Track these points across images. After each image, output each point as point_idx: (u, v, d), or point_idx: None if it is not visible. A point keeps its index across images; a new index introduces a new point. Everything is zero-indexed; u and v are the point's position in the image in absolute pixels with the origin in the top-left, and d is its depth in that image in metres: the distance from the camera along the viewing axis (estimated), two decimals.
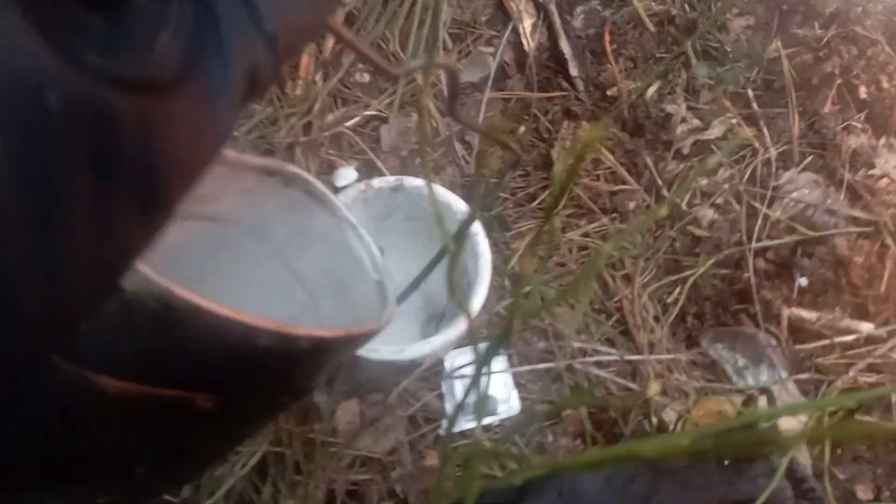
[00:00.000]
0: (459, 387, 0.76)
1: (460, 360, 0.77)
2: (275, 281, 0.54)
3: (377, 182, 0.70)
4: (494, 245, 0.82)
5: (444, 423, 0.76)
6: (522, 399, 0.77)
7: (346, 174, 0.76)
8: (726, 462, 0.62)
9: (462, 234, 0.59)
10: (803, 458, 0.72)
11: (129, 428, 0.30)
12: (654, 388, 0.25)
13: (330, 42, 0.92)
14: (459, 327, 0.66)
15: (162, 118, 0.18)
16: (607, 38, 0.84)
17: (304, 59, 0.91)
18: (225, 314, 0.28)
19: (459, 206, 0.70)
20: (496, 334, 0.29)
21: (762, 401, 0.68)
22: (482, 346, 0.34)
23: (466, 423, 0.76)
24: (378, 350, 0.65)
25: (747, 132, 0.78)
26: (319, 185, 0.53)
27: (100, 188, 0.16)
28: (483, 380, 0.77)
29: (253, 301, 0.53)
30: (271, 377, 0.34)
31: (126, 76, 0.16)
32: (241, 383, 0.33)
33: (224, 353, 0.30)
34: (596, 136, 0.19)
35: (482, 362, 0.28)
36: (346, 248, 0.54)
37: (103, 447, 0.31)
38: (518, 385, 0.77)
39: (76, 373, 0.27)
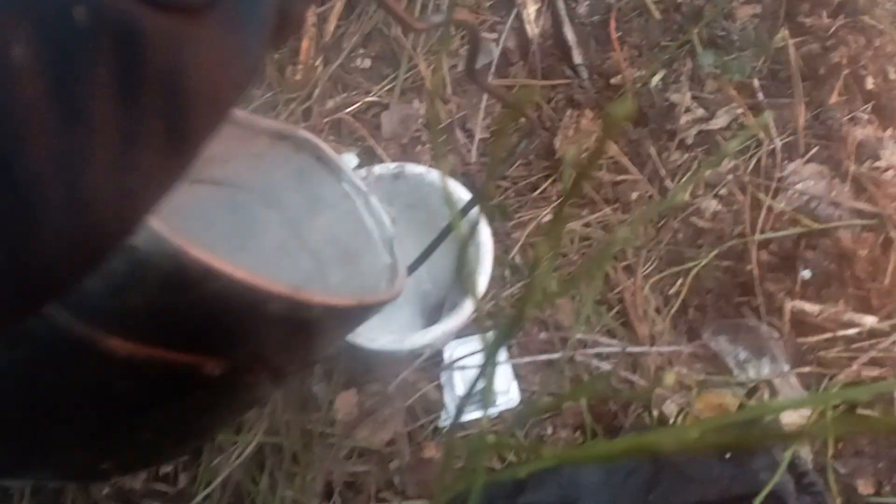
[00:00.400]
0: (459, 378, 0.76)
1: (460, 350, 0.76)
2: (282, 248, 0.54)
3: (378, 169, 0.69)
4: (495, 235, 0.81)
5: (443, 414, 0.75)
6: (522, 391, 0.76)
7: (347, 160, 0.75)
8: (728, 456, 0.61)
9: (468, 214, 0.59)
10: (805, 452, 0.71)
11: (135, 392, 0.30)
12: (669, 379, 0.24)
13: (331, 26, 0.91)
14: (459, 317, 0.66)
15: (190, 43, 0.17)
16: (612, 25, 0.83)
17: (305, 43, 0.89)
18: (240, 277, 0.28)
19: (461, 193, 0.69)
20: (504, 324, 0.28)
21: (764, 394, 0.68)
22: (489, 334, 0.33)
23: (466, 415, 0.75)
24: (377, 340, 0.64)
25: (757, 121, 0.77)
26: (331, 152, 0.52)
27: (125, 109, 0.16)
28: (489, 370, 0.77)
29: (259, 268, 0.53)
30: (281, 344, 0.34)
31: None
32: (250, 350, 0.32)
33: (235, 318, 0.29)
34: (620, 116, 0.18)
35: (491, 351, 0.27)
36: (355, 216, 0.54)
37: (108, 411, 0.31)
38: (518, 377, 0.76)
39: (84, 332, 0.26)
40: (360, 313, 0.38)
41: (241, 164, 0.48)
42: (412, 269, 0.56)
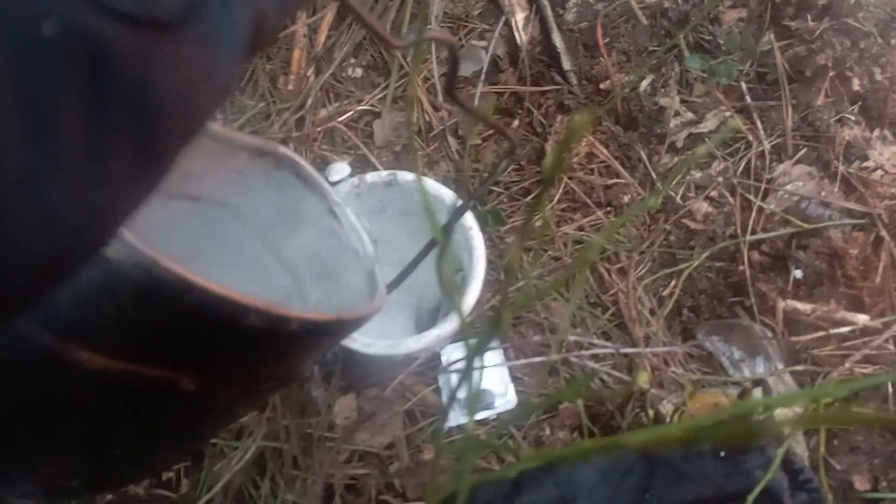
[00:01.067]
0: (456, 381, 0.76)
1: (457, 354, 0.77)
2: (259, 265, 0.53)
3: (370, 177, 0.70)
4: (489, 240, 0.82)
5: (446, 417, 0.76)
6: (519, 393, 0.77)
7: (340, 169, 0.76)
8: (722, 454, 0.62)
9: (451, 225, 0.59)
10: (800, 449, 0.72)
11: (105, 406, 0.29)
12: (643, 377, 0.24)
13: (322, 36, 0.91)
14: (454, 322, 0.66)
15: (161, 59, 0.17)
16: (600, 31, 0.84)
17: (297, 54, 0.90)
18: (215, 290, 0.27)
19: (451, 199, 0.69)
20: (484, 330, 0.29)
21: (757, 392, 0.68)
22: (473, 340, 0.34)
23: (463, 418, 0.76)
24: (373, 345, 0.65)
25: (738, 123, 0.78)
26: (310, 169, 0.51)
27: (94, 123, 0.16)
28: (476, 374, 0.77)
29: (236, 285, 0.52)
30: (257, 360, 0.33)
31: (126, 11, 0.16)
32: (226, 364, 0.32)
33: (211, 332, 0.29)
34: (583, 122, 0.19)
35: (473, 356, 0.27)
36: (334, 234, 0.53)
37: (77, 427, 0.30)
38: (515, 379, 0.77)
39: (52, 344, 0.26)
40: (338, 329, 0.37)
41: (220, 180, 0.48)
42: (393, 286, 0.55)
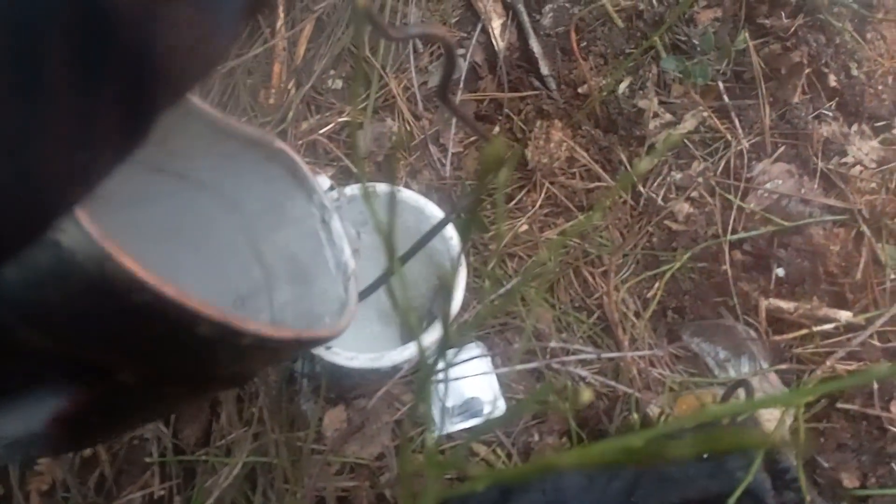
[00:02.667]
0: (444, 390, 0.77)
1: (442, 362, 0.77)
2: (235, 253, 0.52)
3: (349, 190, 0.70)
4: (473, 246, 0.83)
5: (434, 426, 0.76)
6: (508, 399, 0.77)
7: (320, 183, 0.76)
8: (705, 456, 0.62)
9: (428, 239, 0.58)
10: (786, 449, 0.72)
11: (34, 382, 0.29)
12: (586, 396, 0.24)
13: (301, 49, 0.92)
14: (436, 332, 0.67)
15: (161, 19, 0.17)
16: (573, 35, 0.84)
17: (277, 68, 0.91)
18: (169, 294, 0.26)
19: (432, 210, 0.70)
20: (465, 330, 0.29)
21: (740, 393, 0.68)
22: (455, 349, 0.33)
23: (452, 426, 0.76)
24: (356, 358, 0.65)
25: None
26: (305, 169, 0.50)
27: (85, 84, 0.16)
28: (463, 382, 0.77)
29: (208, 269, 0.50)
30: (207, 364, 0.32)
31: None
32: (171, 366, 0.31)
33: (159, 334, 0.28)
34: (498, 152, 0.19)
35: (426, 374, 0.27)
36: (316, 238, 0.51)
37: (12, 392, 0.29)
38: (503, 385, 0.77)
39: None
40: (297, 346, 0.36)
41: (209, 163, 0.46)
42: (366, 294, 0.54)
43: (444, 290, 0.66)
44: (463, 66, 0.89)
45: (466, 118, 0.55)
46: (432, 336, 0.67)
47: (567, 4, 0.88)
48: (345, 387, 0.78)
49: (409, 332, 0.80)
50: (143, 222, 0.45)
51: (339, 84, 0.91)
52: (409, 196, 0.71)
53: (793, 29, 0.80)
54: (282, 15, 0.92)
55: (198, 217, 0.49)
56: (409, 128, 0.88)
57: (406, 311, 0.31)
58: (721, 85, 0.84)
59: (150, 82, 0.18)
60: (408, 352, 0.66)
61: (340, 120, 0.88)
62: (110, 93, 0.17)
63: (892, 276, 0.76)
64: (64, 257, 0.24)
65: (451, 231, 0.70)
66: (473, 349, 0.78)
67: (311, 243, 0.51)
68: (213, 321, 0.28)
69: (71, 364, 0.28)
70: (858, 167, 0.80)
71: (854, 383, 0.66)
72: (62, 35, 0.15)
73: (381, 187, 0.71)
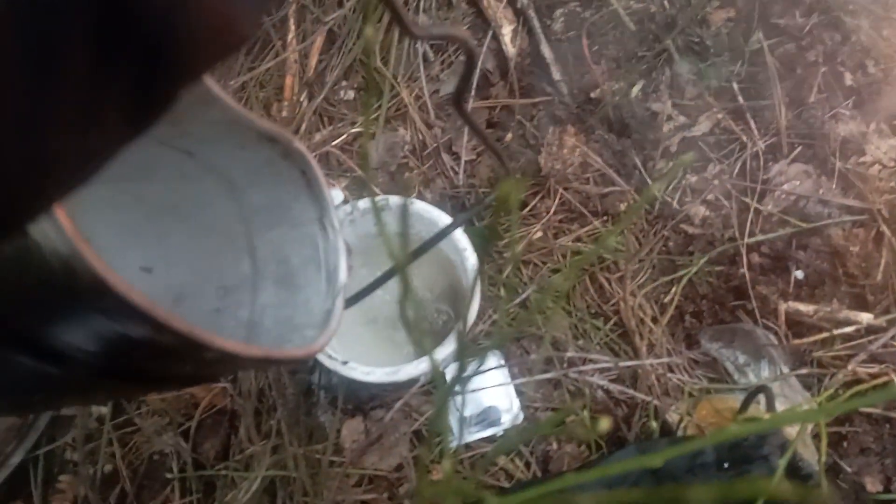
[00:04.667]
0: (461, 400, 0.77)
1: (470, 368, 0.76)
2: (228, 243, 0.50)
3: (363, 203, 0.71)
4: (488, 255, 0.82)
5: (452, 436, 0.76)
6: (525, 408, 0.77)
7: (333, 196, 0.76)
8: (726, 465, 0.62)
9: (430, 246, 0.56)
10: (809, 453, 0.71)
11: None
12: (604, 424, 0.24)
13: (313, 61, 0.92)
14: (452, 344, 0.66)
15: (187, 6, 0.16)
16: (584, 41, 0.84)
17: (289, 80, 0.91)
18: (135, 302, 0.25)
19: (444, 220, 0.69)
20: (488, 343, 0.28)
21: (761, 398, 0.67)
22: (472, 358, 0.33)
23: (471, 436, 0.76)
24: (372, 373, 0.65)
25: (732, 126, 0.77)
26: (318, 172, 0.48)
27: (101, 68, 0.15)
28: (481, 391, 0.77)
29: (198, 251, 0.49)
30: (165, 368, 0.31)
31: None
32: (119, 368, 0.29)
33: (119, 335, 0.26)
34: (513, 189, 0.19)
35: (444, 392, 0.27)
36: (313, 245, 0.49)
37: None
38: (520, 394, 0.77)
39: None
40: (265, 364, 0.35)
41: (221, 149, 0.45)
42: (354, 300, 0.52)
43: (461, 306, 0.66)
44: (474, 74, 0.89)
45: (477, 128, 0.52)
46: (446, 350, 0.67)
47: (578, 9, 0.88)
48: (362, 398, 0.78)
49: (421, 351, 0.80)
50: (143, 193, 0.45)
51: (350, 95, 0.91)
52: (422, 207, 0.71)
53: (807, 28, 0.79)
54: (293, 28, 0.92)
55: (198, 197, 0.48)
56: (421, 137, 0.88)
57: (419, 331, 0.31)
58: (735, 86, 0.83)
59: (168, 68, 0.17)
60: (424, 364, 0.66)
61: (353, 131, 0.88)
62: (127, 77, 0.16)
63: None
64: (27, 247, 0.23)
65: (464, 242, 0.69)
66: (491, 359, 0.78)
67: (307, 250, 0.49)
68: (179, 333, 0.27)
69: (11, 351, 0.26)
70: (877, 166, 0.78)
71: (879, 400, 0.65)
72: (84, 18, 0.14)
73: (394, 199, 0.71)
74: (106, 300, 0.24)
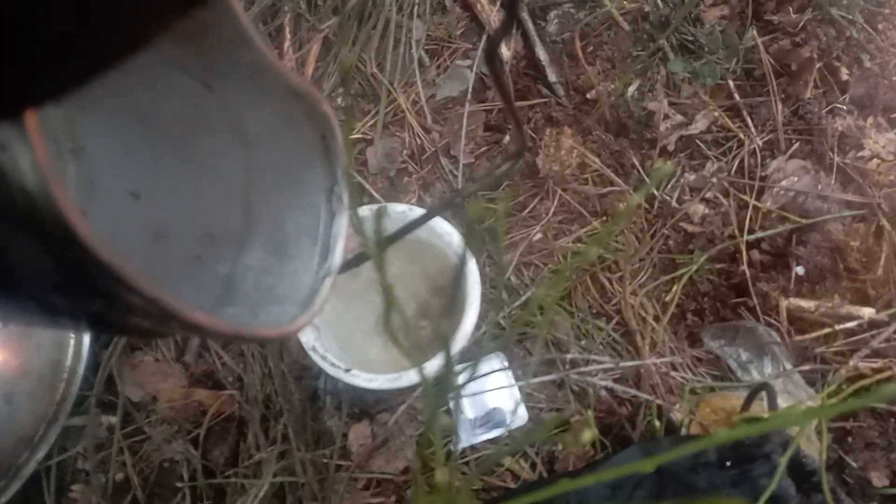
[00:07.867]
0: (467, 402, 0.77)
1: (463, 375, 0.77)
2: (225, 190, 0.47)
3: (362, 211, 0.71)
4: (488, 256, 0.83)
5: (458, 438, 0.76)
6: (530, 409, 0.77)
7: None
8: (728, 464, 0.62)
9: (406, 232, 0.53)
10: (814, 449, 0.71)
11: None
12: (587, 435, 0.24)
13: (310, 68, 0.92)
14: (458, 345, 0.67)
15: None
16: (577, 42, 0.84)
17: None
18: (104, 259, 0.23)
19: (443, 227, 0.70)
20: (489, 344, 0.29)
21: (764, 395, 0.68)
22: (473, 361, 0.33)
23: (476, 438, 0.76)
24: (375, 380, 0.66)
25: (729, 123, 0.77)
26: (340, 141, 0.44)
27: None
28: (485, 393, 0.77)
29: (191, 189, 0.46)
30: (125, 318, 0.29)
31: None
32: (79, 307, 0.27)
33: (79, 282, 0.25)
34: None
35: (440, 393, 0.27)
36: (314, 216, 0.46)
37: None
38: (524, 394, 0.77)
39: None
40: (232, 339, 0.33)
41: (242, 91, 0.42)
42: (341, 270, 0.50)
43: (452, 312, 0.67)
44: (470, 77, 0.89)
45: (504, 88, 0.47)
46: (452, 351, 0.67)
47: (572, 10, 0.88)
48: (368, 402, 0.79)
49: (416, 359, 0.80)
50: (148, 116, 0.43)
51: (347, 101, 0.92)
52: (420, 213, 0.71)
53: (801, 24, 0.79)
54: (289, 36, 0.93)
55: (206, 136, 0.45)
56: (419, 141, 0.88)
57: (410, 347, 0.31)
58: (731, 83, 0.83)
59: None
60: (425, 371, 0.66)
61: (351, 137, 0.89)
62: None
63: None
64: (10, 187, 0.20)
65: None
66: (493, 361, 0.78)
67: (306, 218, 0.45)
68: (148, 296, 0.25)
69: None
70: (875, 160, 0.78)
71: (881, 399, 0.65)
72: None
73: (394, 207, 0.72)
74: (73, 249, 0.22)
